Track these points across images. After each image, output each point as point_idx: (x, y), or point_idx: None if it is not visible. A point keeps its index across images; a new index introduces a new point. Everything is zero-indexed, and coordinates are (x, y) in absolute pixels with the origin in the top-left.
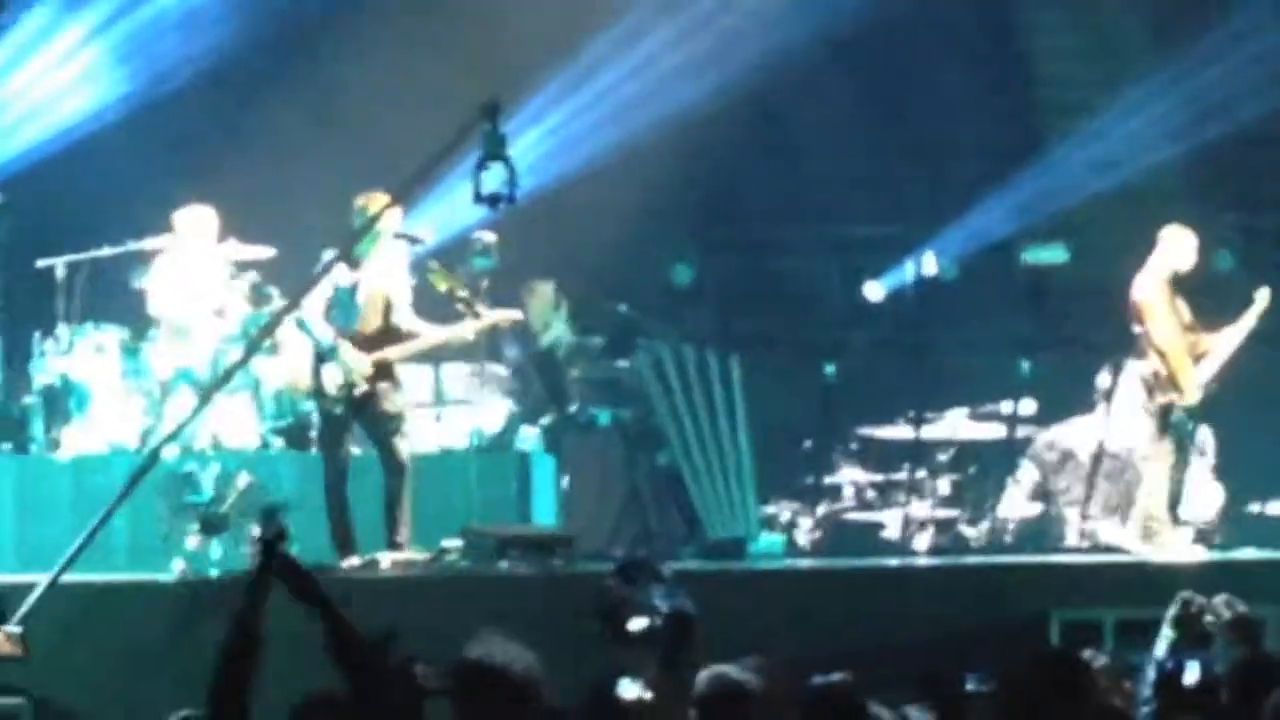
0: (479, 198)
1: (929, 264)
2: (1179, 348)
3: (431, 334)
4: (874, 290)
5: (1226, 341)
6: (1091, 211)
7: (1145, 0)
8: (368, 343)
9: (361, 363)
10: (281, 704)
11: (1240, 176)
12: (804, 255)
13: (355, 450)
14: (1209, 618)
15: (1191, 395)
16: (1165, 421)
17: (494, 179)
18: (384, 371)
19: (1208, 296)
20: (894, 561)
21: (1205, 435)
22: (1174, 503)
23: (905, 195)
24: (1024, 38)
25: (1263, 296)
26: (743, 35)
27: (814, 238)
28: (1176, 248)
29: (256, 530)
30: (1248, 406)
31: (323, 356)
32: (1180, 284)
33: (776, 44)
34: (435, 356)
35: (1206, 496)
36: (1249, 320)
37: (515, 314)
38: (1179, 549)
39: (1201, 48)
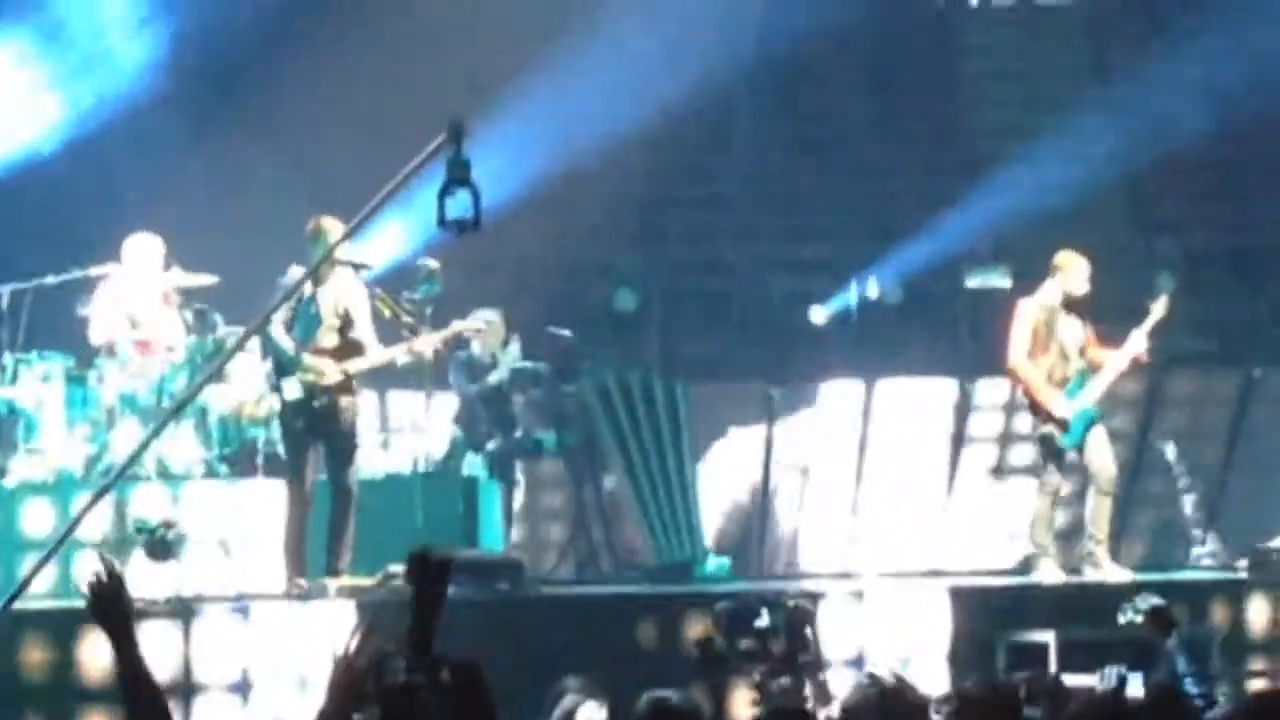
0: (443, 223)
1: (873, 288)
2: (1028, 371)
3: (388, 350)
4: (818, 314)
5: (1116, 359)
6: (1033, 235)
7: (1083, 25)
8: (328, 356)
9: (325, 367)
10: None
11: (1179, 199)
12: (748, 280)
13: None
14: (1129, 615)
15: (1060, 413)
16: (1045, 450)
17: (459, 204)
18: (347, 387)
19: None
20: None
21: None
22: (1093, 524)
23: (848, 220)
24: (963, 62)
25: (1158, 309)
26: (684, 61)
27: (758, 262)
28: (1066, 273)
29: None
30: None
31: (284, 368)
32: (1077, 307)
33: (719, 69)
34: (381, 384)
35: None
36: (1140, 335)
37: (480, 322)
38: (1055, 574)
39: (1139, 71)
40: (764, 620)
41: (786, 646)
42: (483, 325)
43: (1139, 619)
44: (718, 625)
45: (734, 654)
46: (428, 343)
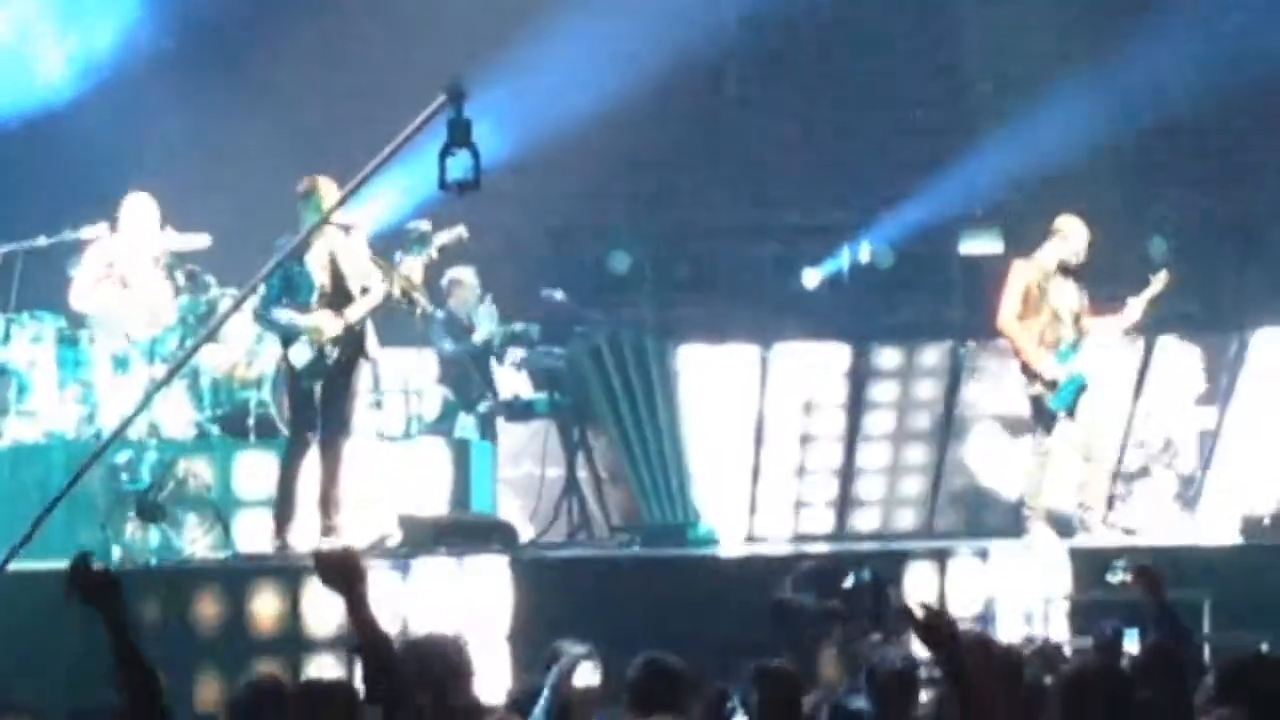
0: (444, 184)
1: (865, 252)
2: (1017, 331)
3: (378, 287)
4: (811, 277)
5: (1111, 328)
6: (1026, 199)
7: None
8: (325, 311)
9: (324, 321)
10: None
11: (1172, 163)
12: (740, 242)
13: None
14: (1116, 574)
15: (1049, 375)
16: (1037, 411)
17: (459, 166)
18: (353, 342)
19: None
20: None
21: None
22: (1084, 491)
23: (841, 183)
24: (956, 24)
25: (1158, 281)
26: (674, 24)
27: (751, 225)
28: (1065, 237)
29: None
30: None
31: (288, 339)
32: (1075, 273)
33: (713, 32)
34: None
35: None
36: (1138, 305)
37: (461, 230)
38: (1047, 539)
39: (1133, 35)
40: (850, 580)
41: (873, 605)
42: (463, 232)
43: (1127, 578)
44: (803, 585)
45: (819, 613)
46: (413, 266)
